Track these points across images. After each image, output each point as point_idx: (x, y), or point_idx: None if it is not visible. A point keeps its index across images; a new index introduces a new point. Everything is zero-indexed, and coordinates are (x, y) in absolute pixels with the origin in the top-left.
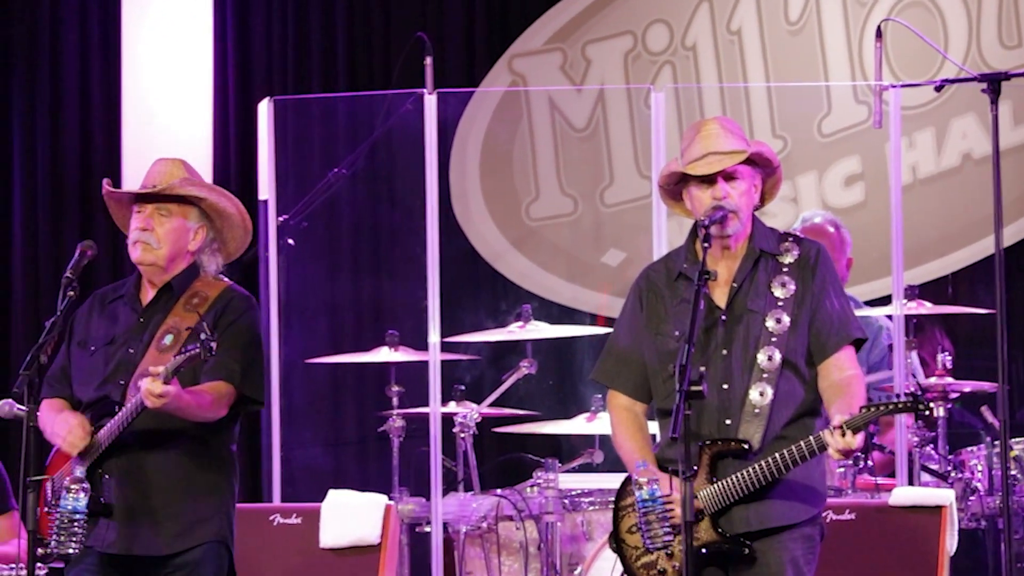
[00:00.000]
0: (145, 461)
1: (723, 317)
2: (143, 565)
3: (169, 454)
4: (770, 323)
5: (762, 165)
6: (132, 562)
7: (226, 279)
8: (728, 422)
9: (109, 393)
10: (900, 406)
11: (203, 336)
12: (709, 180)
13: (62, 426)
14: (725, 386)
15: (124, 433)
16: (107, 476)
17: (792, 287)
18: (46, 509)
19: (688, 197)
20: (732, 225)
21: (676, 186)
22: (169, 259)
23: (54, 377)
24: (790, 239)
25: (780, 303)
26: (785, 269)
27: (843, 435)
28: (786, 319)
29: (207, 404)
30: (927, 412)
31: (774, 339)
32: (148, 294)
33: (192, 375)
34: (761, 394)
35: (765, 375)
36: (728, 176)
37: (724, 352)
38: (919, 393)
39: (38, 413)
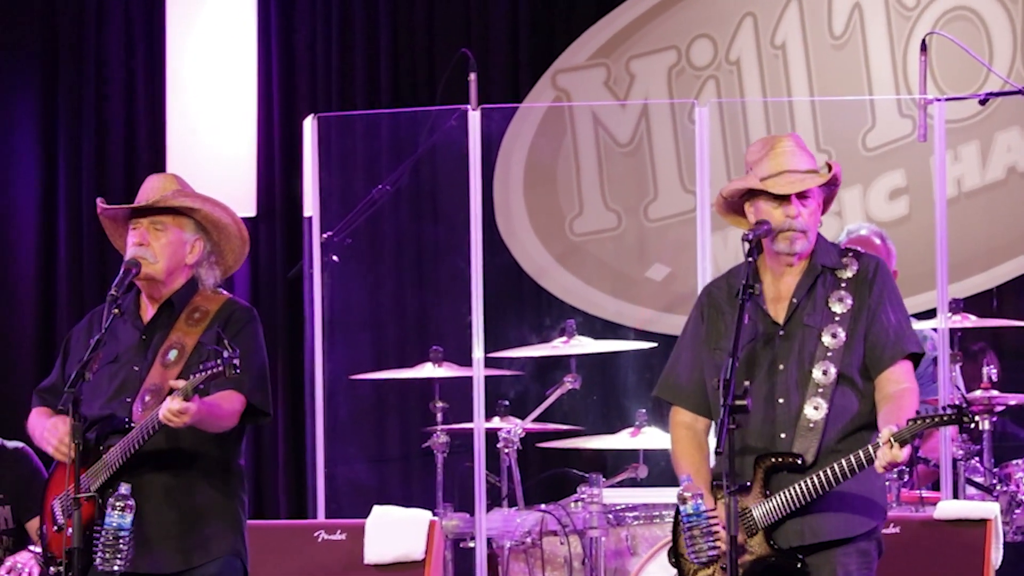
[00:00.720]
0: (157, 479)
1: (780, 332)
2: None
3: (180, 471)
4: (826, 338)
5: (828, 184)
6: None
7: (225, 292)
8: (783, 436)
9: (115, 411)
10: (945, 419)
11: (226, 354)
12: (781, 198)
13: (52, 433)
14: (781, 400)
15: (136, 452)
16: None
17: (849, 302)
18: (55, 528)
19: (754, 212)
20: (800, 243)
21: (740, 199)
22: (167, 273)
23: (45, 391)
24: (850, 254)
25: (837, 318)
26: (843, 284)
27: (891, 448)
28: (842, 334)
29: (226, 415)
30: (972, 425)
31: (830, 354)
32: (148, 311)
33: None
34: (815, 408)
35: (820, 390)
36: (801, 195)
37: (780, 367)
38: (964, 406)
39: (29, 418)
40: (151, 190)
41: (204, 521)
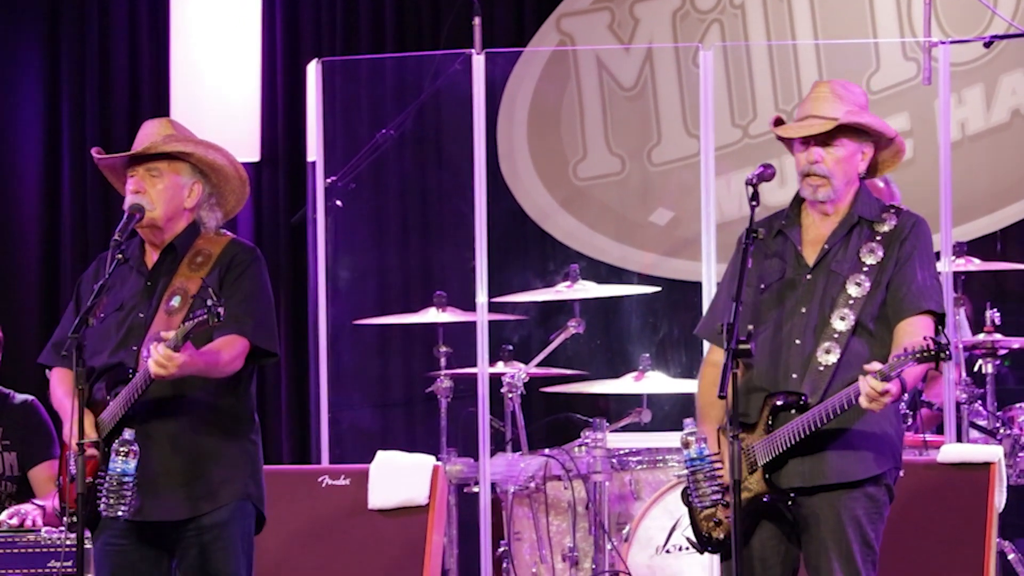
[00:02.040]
0: (164, 427)
1: (807, 276)
2: (169, 529)
3: (187, 418)
4: (851, 287)
5: (873, 135)
6: (158, 527)
7: (229, 233)
8: (794, 376)
9: (123, 360)
10: (920, 356)
11: (209, 302)
12: (806, 142)
13: (69, 434)
14: (797, 342)
15: (140, 400)
16: None
17: (880, 254)
18: (69, 479)
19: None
20: (822, 192)
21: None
22: (166, 218)
23: (61, 344)
24: (892, 210)
25: (865, 269)
26: (878, 237)
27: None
28: (867, 284)
29: (224, 361)
30: (947, 359)
31: (851, 302)
32: (152, 257)
33: (206, 334)
34: (827, 352)
35: (836, 335)
36: (825, 142)
37: (803, 310)
38: (944, 342)
39: (50, 383)
40: (145, 137)
41: (212, 468)
